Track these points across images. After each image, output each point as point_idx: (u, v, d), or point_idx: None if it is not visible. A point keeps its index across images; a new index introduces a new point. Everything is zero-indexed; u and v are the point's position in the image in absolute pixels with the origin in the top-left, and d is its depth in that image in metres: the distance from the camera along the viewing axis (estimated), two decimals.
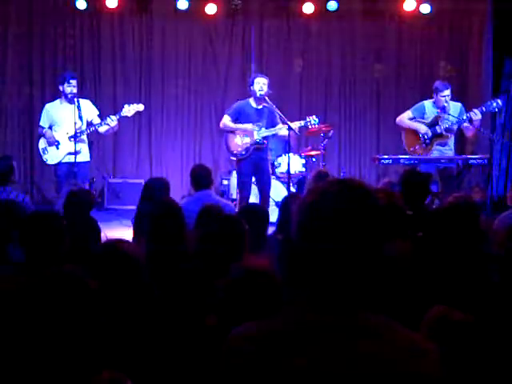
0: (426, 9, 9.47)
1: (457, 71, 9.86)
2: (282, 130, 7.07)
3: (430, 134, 7.07)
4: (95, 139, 8.07)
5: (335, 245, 1.33)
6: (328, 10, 9.61)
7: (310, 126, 7.27)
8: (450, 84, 7.21)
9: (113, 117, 7.12)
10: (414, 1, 9.44)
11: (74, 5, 9.36)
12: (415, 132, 7.16)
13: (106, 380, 1.85)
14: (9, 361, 2.09)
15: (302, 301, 1.38)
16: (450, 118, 7.01)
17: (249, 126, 7.05)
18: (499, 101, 7.10)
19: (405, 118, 7.29)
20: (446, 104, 7.03)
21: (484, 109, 7.06)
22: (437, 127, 7.10)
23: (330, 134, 8.62)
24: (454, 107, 7.15)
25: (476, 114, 6.93)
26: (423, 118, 7.18)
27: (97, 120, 7.19)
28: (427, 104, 7.23)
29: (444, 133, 7.09)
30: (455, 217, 2.75)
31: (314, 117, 7.19)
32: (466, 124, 7.01)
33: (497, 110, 7.19)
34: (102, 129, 7.16)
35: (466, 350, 1.88)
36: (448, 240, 2.64)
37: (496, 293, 2.53)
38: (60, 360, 2.05)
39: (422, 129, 7.08)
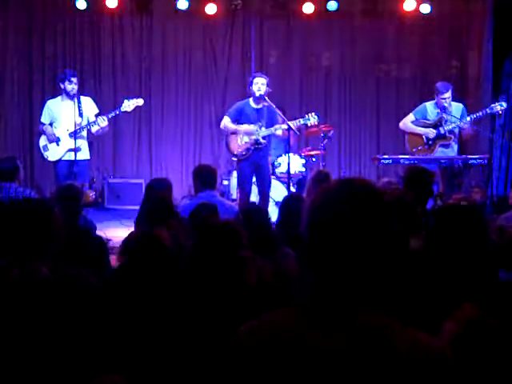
0: (425, 9, 9.47)
1: (457, 71, 9.86)
2: (278, 130, 7.07)
3: (434, 135, 7.09)
4: (95, 139, 8.05)
5: (346, 244, 1.34)
6: (328, 10, 9.61)
7: (309, 124, 7.23)
8: (451, 85, 7.22)
9: (103, 117, 7.12)
10: (414, 1, 9.44)
11: (74, 5, 9.36)
12: (419, 134, 7.18)
13: (106, 382, 1.84)
14: (8, 361, 2.09)
15: (307, 299, 1.39)
16: (453, 119, 7.03)
17: (250, 126, 7.03)
18: (504, 103, 7.12)
19: (408, 121, 7.29)
20: (446, 105, 7.05)
21: (488, 111, 7.09)
22: (440, 128, 7.11)
23: (330, 134, 8.62)
24: (456, 108, 7.16)
25: (465, 123, 6.99)
26: (426, 119, 7.19)
27: (92, 119, 7.20)
28: (429, 105, 7.25)
29: (447, 134, 7.11)
30: (460, 217, 2.75)
31: (313, 114, 7.17)
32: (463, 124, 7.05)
33: (500, 112, 7.21)
34: (94, 129, 7.16)
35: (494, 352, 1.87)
36: (452, 240, 2.64)
37: (503, 292, 2.53)
38: (60, 361, 2.04)
39: (430, 133, 7.10)
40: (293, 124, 6.91)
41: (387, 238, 1.37)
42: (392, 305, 1.42)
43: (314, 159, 8.75)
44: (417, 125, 7.23)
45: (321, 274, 1.38)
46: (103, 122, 7.09)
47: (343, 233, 1.34)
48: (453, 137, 7.14)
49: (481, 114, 7.11)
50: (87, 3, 9.36)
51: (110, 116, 7.23)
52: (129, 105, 7.25)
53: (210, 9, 9.60)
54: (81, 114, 7.10)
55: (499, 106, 7.04)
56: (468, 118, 7.06)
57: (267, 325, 1.39)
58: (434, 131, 7.11)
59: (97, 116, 7.21)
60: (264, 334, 1.37)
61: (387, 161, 7.19)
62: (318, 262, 1.38)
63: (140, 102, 7.34)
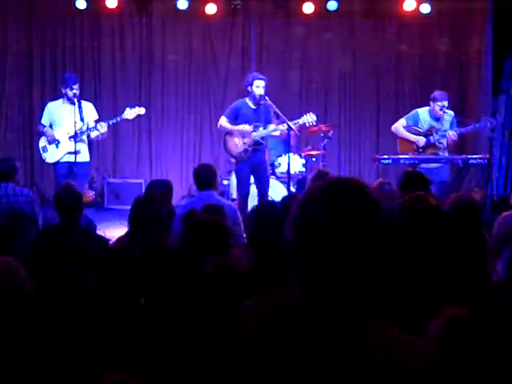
0: (425, 9, 9.47)
1: (456, 71, 9.86)
2: (276, 131, 7.05)
3: (423, 143, 7.10)
4: (95, 140, 8.06)
5: (328, 244, 1.30)
6: (328, 10, 9.61)
7: (307, 124, 7.19)
8: (448, 95, 7.21)
9: (103, 123, 7.13)
10: (414, 1, 9.43)
11: (74, 5, 9.36)
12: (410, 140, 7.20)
13: (110, 381, 1.84)
14: (11, 361, 2.09)
15: (297, 293, 1.37)
16: (445, 126, 7.05)
17: (246, 126, 7.02)
18: (493, 120, 7.17)
19: (400, 126, 7.30)
20: (441, 113, 7.03)
21: (478, 126, 7.13)
22: (431, 137, 7.12)
23: (330, 134, 8.62)
24: (448, 115, 7.15)
25: (453, 134, 6.99)
26: (417, 126, 7.19)
27: (92, 124, 7.20)
28: (421, 112, 7.24)
29: (437, 143, 7.11)
30: (457, 216, 2.74)
31: (311, 113, 7.14)
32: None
33: (492, 129, 7.24)
34: (93, 134, 7.16)
35: (481, 347, 1.86)
36: (450, 240, 2.63)
37: (497, 292, 2.53)
38: (62, 361, 2.05)
39: (420, 141, 7.10)
40: (293, 125, 6.89)
41: (376, 240, 1.32)
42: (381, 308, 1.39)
43: (314, 159, 8.75)
44: (408, 131, 7.23)
45: (307, 277, 1.34)
46: (102, 128, 7.10)
47: (329, 235, 1.30)
48: (442, 146, 7.14)
49: (469, 129, 7.16)
50: (87, 3, 9.36)
51: (110, 122, 7.23)
52: (130, 113, 7.27)
53: (210, 9, 9.60)
54: (82, 119, 7.09)
55: (489, 123, 7.06)
56: (457, 130, 7.07)
57: (265, 309, 1.38)
58: (424, 139, 7.12)
59: (96, 122, 7.21)
60: (261, 319, 1.36)
61: (387, 161, 7.19)
62: (304, 264, 1.34)
63: (142, 110, 7.33)
